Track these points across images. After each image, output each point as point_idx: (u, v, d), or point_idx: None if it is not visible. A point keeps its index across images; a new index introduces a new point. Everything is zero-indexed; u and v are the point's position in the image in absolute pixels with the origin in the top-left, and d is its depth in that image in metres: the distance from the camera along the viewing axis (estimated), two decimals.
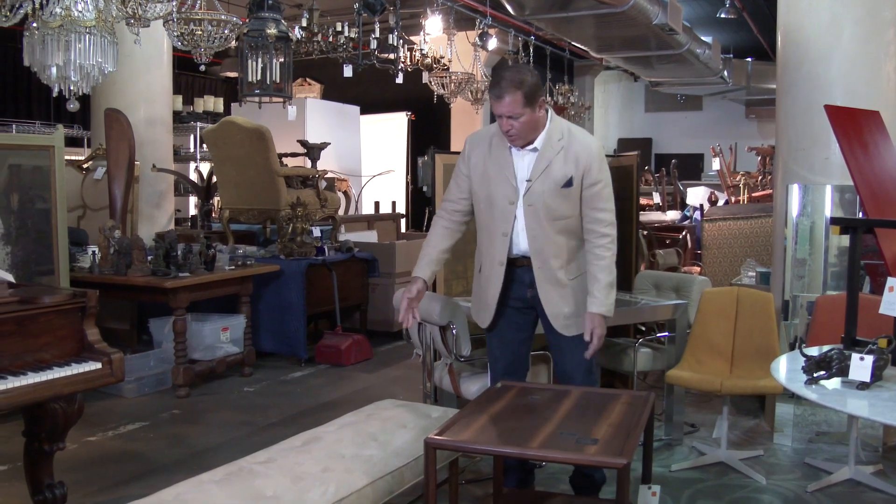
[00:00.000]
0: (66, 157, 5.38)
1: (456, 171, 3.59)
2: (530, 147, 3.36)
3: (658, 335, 4.97)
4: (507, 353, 3.63)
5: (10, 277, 3.44)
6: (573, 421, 2.83)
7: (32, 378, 3.12)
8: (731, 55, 14.19)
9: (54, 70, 4.34)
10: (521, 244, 3.44)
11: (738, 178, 11.80)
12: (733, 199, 11.26)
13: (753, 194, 11.09)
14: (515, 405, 3.05)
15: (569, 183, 3.33)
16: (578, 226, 3.43)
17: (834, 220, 3.61)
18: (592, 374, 3.58)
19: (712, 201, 11.22)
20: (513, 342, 3.62)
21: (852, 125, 4.19)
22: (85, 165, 6.99)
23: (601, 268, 3.38)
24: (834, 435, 4.61)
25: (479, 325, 3.65)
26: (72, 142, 9.89)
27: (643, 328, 5.44)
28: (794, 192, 4.77)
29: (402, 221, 10.86)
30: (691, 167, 17.49)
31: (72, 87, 4.45)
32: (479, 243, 3.59)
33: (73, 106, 4.58)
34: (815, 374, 2.86)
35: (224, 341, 6.01)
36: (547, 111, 3.39)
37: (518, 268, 3.48)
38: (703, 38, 11.87)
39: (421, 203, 12.85)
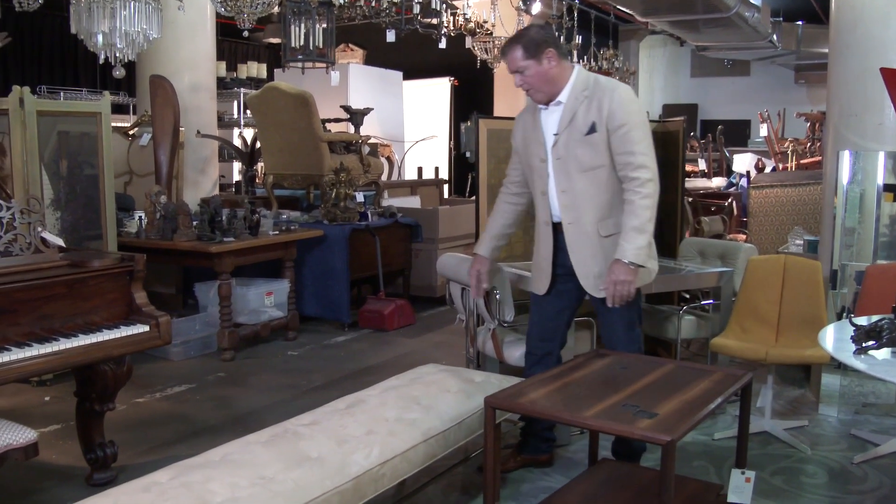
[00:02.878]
0: (113, 124, 5.43)
1: (512, 148, 3.66)
2: (555, 102, 3.36)
3: (702, 303, 4.92)
4: (543, 320, 3.62)
5: (60, 242, 3.50)
6: (646, 394, 2.78)
7: (83, 340, 3.20)
8: (781, 18, 13.87)
9: (100, 37, 4.38)
10: (556, 203, 3.42)
11: (786, 145, 11.57)
12: (781, 166, 11.05)
13: (802, 161, 10.87)
14: (597, 373, 3.03)
15: (593, 129, 3.27)
16: (612, 178, 3.31)
17: (887, 187, 3.54)
18: (633, 338, 3.49)
19: (759, 168, 11.05)
20: (550, 309, 3.59)
21: None
22: (131, 132, 7.07)
23: (627, 212, 3.24)
24: (882, 406, 4.54)
25: (535, 291, 3.61)
26: (118, 108, 10.00)
27: (687, 295, 5.40)
28: (845, 158, 4.67)
29: (445, 187, 10.85)
30: (738, 134, 17.18)
31: (117, 54, 4.49)
32: (535, 208, 3.58)
33: (118, 73, 4.63)
34: (864, 344, 2.81)
35: (268, 305, 6.08)
36: (573, 66, 3.39)
37: (561, 233, 3.44)
38: (752, 0, 11.60)
39: (464, 169, 12.82)
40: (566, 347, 3.76)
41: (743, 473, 2.91)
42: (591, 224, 3.34)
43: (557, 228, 3.45)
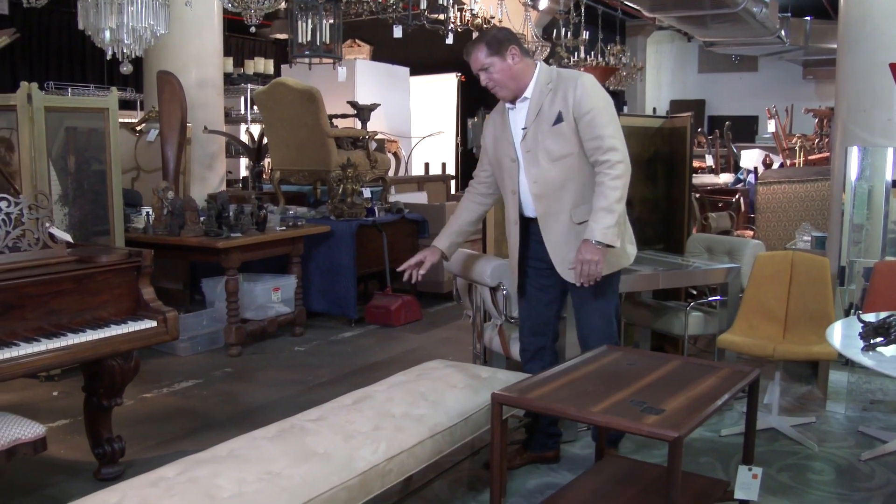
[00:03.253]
0: (120, 120, 5.44)
1: (482, 148, 3.71)
2: (522, 99, 3.40)
3: (710, 299, 4.91)
4: (533, 314, 3.64)
5: (68, 237, 3.51)
6: (653, 390, 2.78)
7: (91, 335, 3.21)
8: (789, 14, 13.82)
9: (108, 33, 4.40)
10: (529, 198, 3.44)
11: (793, 141, 11.54)
12: (789, 161, 11.03)
13: (810, 157, 10.84)
14: (605, 369, 3.02)
15: (559, 118, 3.31)
16: (582, 166, 3.34)
17: None
18: (611, 332, 3.51)
19: (767, 164, 11.02)
20: (538, 304, 3.62)
21: None
22: (138, 128, 7.08)
23: (598, 194, 3.26)
24: (890, 403, 4.53)
25: (511, 292, 3.67)
26: (125, 104, 10.00)
27: (695, 292, 5.39)
28: (854, 154, 4.65)
29: (452, 183, 10.85)
30: (745, 129, 17.15)
31: (125, 50, 4.50)
32: (504, 208, 3.63)
33: (126, 68, 4.64)
34: (872, 341, 2.81)
35: (275, 301, 6.08)
36: (535, 64, 3.43)
37: (538, 227, 3.48)
38: None
39: (471, 164, 12.75)
40: (569, 344, 3.76)
41: (750, 470, 2.90)
42: (564, 212, 3.38)
43: (526, 226, 3.50)
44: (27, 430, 2.83)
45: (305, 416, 2.91)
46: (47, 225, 3.36)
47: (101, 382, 3.55)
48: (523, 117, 3.41)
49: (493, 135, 3.57)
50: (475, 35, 9.66)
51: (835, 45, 5.20)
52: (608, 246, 3.24)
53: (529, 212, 3.48)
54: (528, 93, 3.39)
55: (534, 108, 3.37)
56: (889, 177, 4.57)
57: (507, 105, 3.46)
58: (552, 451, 3.77)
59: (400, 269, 3.72)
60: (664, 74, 19.87)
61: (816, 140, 11.83)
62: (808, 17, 14.59)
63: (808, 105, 14.43)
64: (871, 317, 3.04)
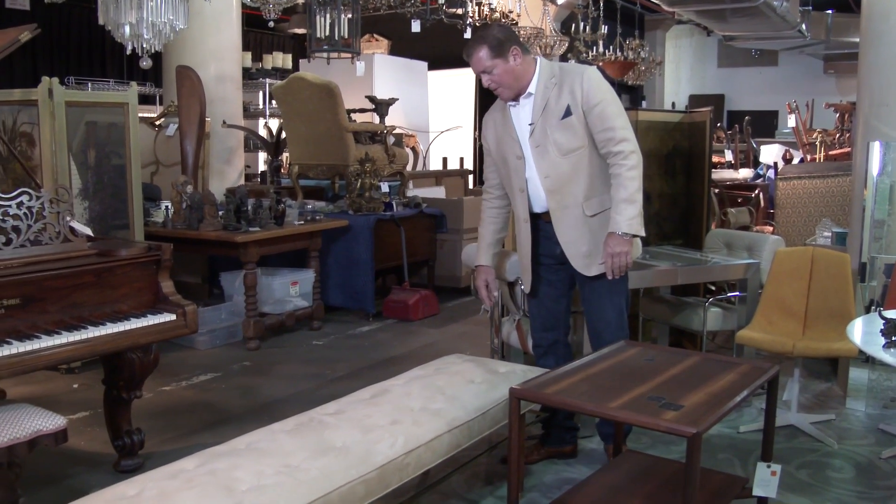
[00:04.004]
0: (140, 115, 5.47)
1: (485, 151, 3.69)
2: (525, 95, 3.38)
3: (728, 295, 4.89)
4: (543, 310, 3.64)
5: (88, 231, 3.53)
6: (672, 385, 2.76)
7: (111, 328, 3.23)
8: (811, 7, 13.69)
9: (127, 28, 4.41)
10: (541, 195, 3.42)
11: (814, 136, 11.44)
12: (809, 157, 10.94)
13: (830, 152, 10.75)
14: (623, 364, 3.01)
15: (568, 112, 3.30)
16: (593, 158, 3.35)
17: None
18: (623, 325, 3.51)
19: (787, 159, 10.94)
20: (546, 299, 3.61)
21: None
22: (157, 122, 7.11)
23: (615, 186, 3.28)
24: None
25: (524, 289, 3.67)
26: (144, 99, 10.05)
27: (713, 287, 5.36)
28: (875, 149, 4.61)
29: (470, 177, 10.83)
30: (765, 124, 17.01)
31: (144, 45, 4.52)
32: (512, 207, 3.61)
33: (145, 63, 4.66)
34: (893, 338, 2.78)
35: (293, 295, 6.11)
36: (535, 60, 3.40)
37: (545, 223, 3.47)
38: None
39: None
40: (586, 339, 3.75)
41: (769, 467, 2.88)
42: (576, 205, 3.38)
43: (536, 221, 3.49)
44: (48, 421, 2.86)
45: (323, 410, 2.92)
46: (68, 219, 3.38)
47: (121, 375, 3.58)
48: (528, 113, 3.39)
49: (494, 134, 3.54)
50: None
51: (856, 39, 5.15)
52: (634, 235, 3.27)
53: (538, 207, 3.46)
54: (531, 88, 3.36)
55: (540, 102, 3.35)
56: None
57: (509, 103, 3.44)
58: (570, 445, 3.77)
59: (483, 303, 3.76)
60: (683, 69, 19.74)
61: (837, 135, 11.72)
62: (829, 11, 14.45)
63: (828, 100, 14.31)
64: (892, 313, 3.01)
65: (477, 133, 13.17)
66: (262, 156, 10.27)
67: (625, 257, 3.27)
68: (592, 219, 3.37)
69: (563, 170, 3.35)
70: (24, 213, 3.22)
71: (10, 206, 3.19)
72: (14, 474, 2.85)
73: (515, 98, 3.40)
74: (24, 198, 3.23)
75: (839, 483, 3.57)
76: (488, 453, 3.71)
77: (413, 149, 9.67)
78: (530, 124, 3.37)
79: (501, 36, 3.33)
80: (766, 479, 2.85)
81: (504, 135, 3.48)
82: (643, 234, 3.32)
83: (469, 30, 8.94)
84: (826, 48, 15.87)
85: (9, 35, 3.83)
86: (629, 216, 3.24)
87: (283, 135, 7.77)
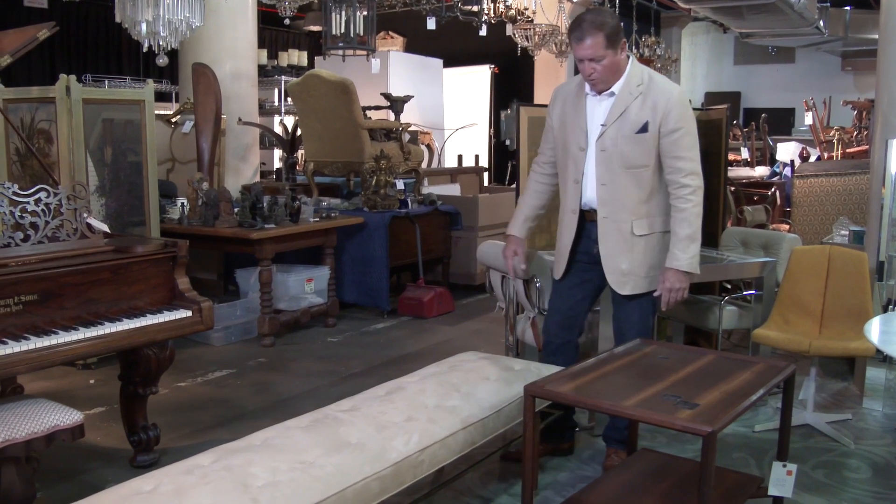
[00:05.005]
0: (156, 112, 5.50)
1: (545, 124, 3.59)
2: (608, 92, 3.29)
3: (744, 293, 4.87)
4: (564, 308, 3.60)
5: (105, 227, 3.55)
6: (687, 384, 2.75)
7: (128, 324, 3.25)
8: (828, 3, 13.59)
9: (144, 26, 4.43)
10: (591, 194, 3.37)
11: (831, 134, 11.38)
12: (826, 154, 10.87)
13: (848, 150, 10.68)
14: (638, 363, 3.01)
15: (644, 128, 3.23)
16: (655, 180, 3.31)
17: None
18: (647, 328, 3.49)
19: (804, 157, 10.88)
20: (571, 298, 3.58)
21: None
22: (173, 119, 7.14)
23: (678, 220, 3.27)
24: None
25: (554, 276, 3.62)
26: (161, 96, 10.10)
27: (729, 286, 5.34)
28: (894, 147, 4.57)
29: (485, 175, 10.83)
30: (782, 122, 16.92)
31: (161, 43, 4.54)
32: (560, 193, 3.55)
33: (162, 61, 4.68)
34: None
35: (308, 292, 6.12)
36: (628, 57, 3.31)
37: (589, 222, 3.43)
38: None
39: (504, 157, 12.79)
40: (602, 338, 3.75)
41: (784, 466, 2.86)
42: (626, 221, 3.33)
43: (584, 217, 3.44)
44: (66, 416, 2.88)
45: (338, 407, 2.93)
46: (85, 215, 3.40)
47: (137, 371, 3.60)
48: (603, 112, 3.30)
49: (561, 114, 3.44)
50: (508, 27, 9.65)
51: (875, 36, 5.11)
52: (691, 273, 3.28)
53: (588, 204, 3.40)
54: (615, 88, 3.28)
55: (619, 107, 3.26)
56: None
57: (589, 91, 3.34)
58: (567, 442, 3.77)
59: (511, 276, 3.67)
60: (699, 66, 19.64)
61: (855, 133, 11.64)
62: (847, 7, 14.34)
63: (846, 97, 14.22)
64: None
65: (492, 130, 13.17)
66: (278, 153, 10.32)
67: (681, 294, 3.28)
68: (639, 238, 3.34)
69: (622, 182, 3.30)
70: (42, 210, 3.24)
71: (28, 202, 3.21)
72: (32, 468, 2.88)
73: (603, 91, 3.30)
74: (42, 195, 3.25)
75: (856, 483, 3.55)
76: (503, 451, 3.70)
77: (428, 146, 9.67)
78: (602, 125, 3.30)
79: (617, 27, 3.22)
80: (781, 479, 2.83)
81: (573, 121, 3.39)
82: (698, 273, 3.32)
83: (484, 27, 8.92)
84: (844, 45, 15.75)
85: (27, 33, 3.85)
86: (692, 254, 3.25)
87: (299, 132, 7.79)
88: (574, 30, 3.22)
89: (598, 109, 3.33)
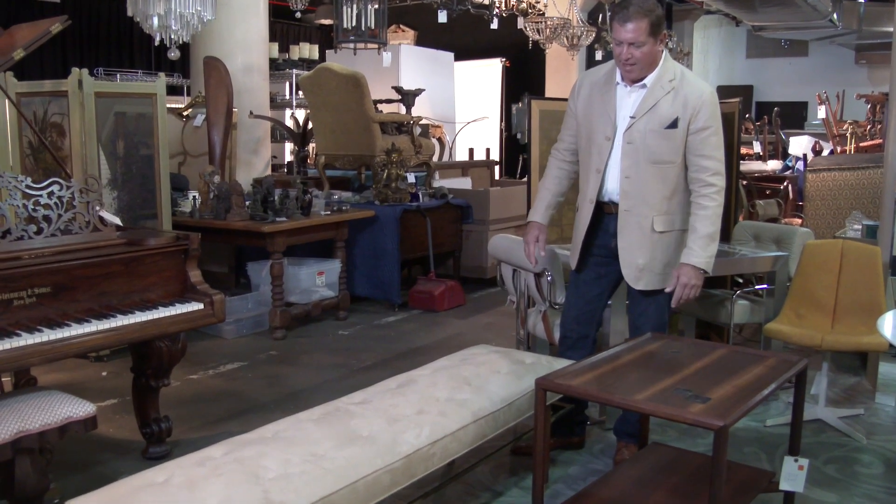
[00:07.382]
0: (168, 105, 5.51)
1: (567, 110, 3.55)
2: (639, 84, 3.27)
3: (756, 287, 4.85)
4: (581, 302, 3.58)
5: (117, 220, 3.57)
6: (699, 378, 2.75)
7: (140, 317, 3.26)
8: None
9: (156, 19, 4.44)
10: (613, 186, 3.35)
11: (844, 127, 11.30)
12: (839, 148, 10.81)
13: (861, 144, 10.61)
14: (649, 357, 3.00)
15: (674, 124, 3.22)
16: (679, 178, 3.30)
17: None
18: (663, 323, 3.48)
19: (816, 151, 10.82)
20: (588, 292, 3.56)
21: None
22: (185, 113, 7.16)
23: (700, 217, 3.25)
24: None
25: (570, 266, 3.61)
26: (172, 90, 10.13)
27: (741, 280, 5.32)
28: None
29: (496, 168, 10.82)
30: (794, 116, 16.84)
31: (172, 36, 4.54)
32: (580, 181, 3.52)
33: (173, 54, 4.68)
34: None
35: (319, 285, 6.13)
36: (663, 52, 3.29)
37: (607, 214, 3.42)
38: None
39: (515, 150, 12.78)
40: (613, 332, 3.74)
41: (796, 461, 2.86)
42: (647, 217, 3.31)
43: (601, 208, 3.42)
44: (78, 408, 2.89)
45: (350, 400, 2.93)
46: (97, 208, 3.41)
47: (149, 363, 3.62)
48: (632, 104, 3.28)
49: (588, 100, 3.40)
50: (519, 20, 9.62)
51: (890, 29, 5.09)
52: (706, 272, 3.28)
53: (608, 196, 3.39)
54: (647, 80, 3.25)
55: (649, 100, 3.24)
56: None
57: (619, 81, 3.31)
58: (578, 436, 3.77)
59: (532, 262, 3.61)
60: (711, 59, 19.57)
61: (869, 126, 11.57)
62: (861, 0, 14.25)
63: (859, 90, 14.12)
64: None
65: (503, 124, 13.15)
66: (289, 146, 10.32)
67: (695, 291, 3.27)
68: (658, 235, 3.33)
69: (646, 177, 3.28)
70: (55, 203, 3.26)
71: (40, 195, 3.23)
72: (45, 460, 2.89)
73: (635, 81, 3.27)
74: (55, 188, 3.27)
75: (868, 478, 3.53)
76: (514, 444, 3.70)
77: (439, 139, 9.66)
78: (632, 117, 3.27)
79: (662, 17, 3.22)
80: (793, 474, 2.82)
81: (600, 109, 3.35)
82: (711, 273, 3.33)
83: (496, 20, 8.90)
84: (858, 38, 15.65)
85: (40, 27, 3.87)
86: (710, 253, 3.25)
87: (310, 125, 7.79)
88: (619, 11, 3.18)
89: (627, 101, 3.30)
